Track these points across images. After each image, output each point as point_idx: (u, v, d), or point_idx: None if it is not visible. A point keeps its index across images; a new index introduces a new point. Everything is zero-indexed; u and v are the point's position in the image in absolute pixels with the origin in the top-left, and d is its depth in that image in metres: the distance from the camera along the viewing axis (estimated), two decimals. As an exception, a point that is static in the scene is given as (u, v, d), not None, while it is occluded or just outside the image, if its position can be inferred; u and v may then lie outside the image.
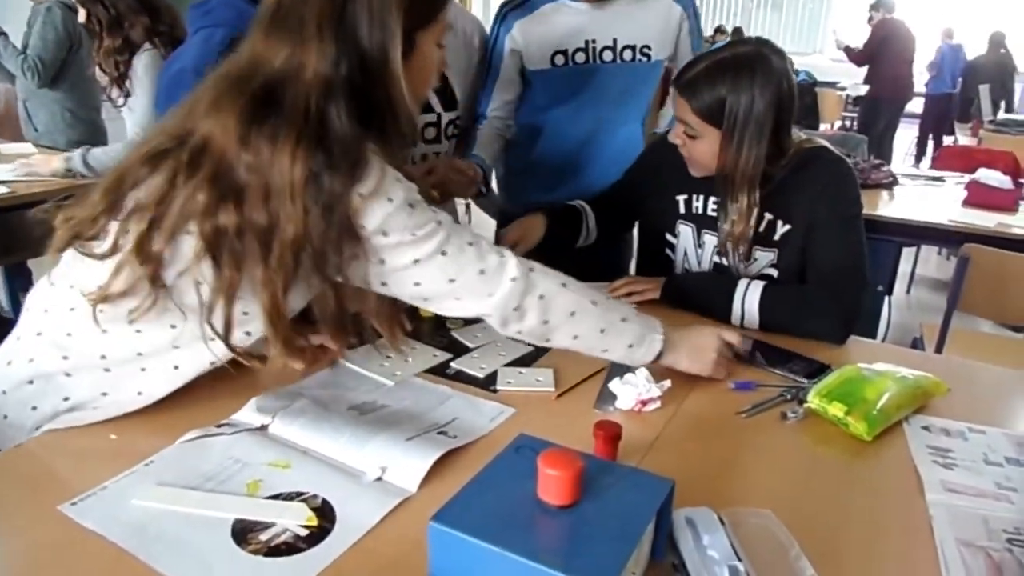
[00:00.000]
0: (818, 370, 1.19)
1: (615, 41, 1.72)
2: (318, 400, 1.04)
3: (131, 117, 2.36)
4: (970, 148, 4.57)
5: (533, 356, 1.21)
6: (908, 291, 4.32)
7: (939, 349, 2.33)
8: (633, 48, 1.73)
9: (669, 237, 1.56)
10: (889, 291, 3.48)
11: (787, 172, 1.36)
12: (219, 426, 0.97)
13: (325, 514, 0.81)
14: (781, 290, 1.37)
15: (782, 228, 1.40)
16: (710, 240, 1.50)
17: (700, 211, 1.50)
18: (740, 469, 0.95)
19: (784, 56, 1.32)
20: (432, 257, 0.93)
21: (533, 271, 0.99)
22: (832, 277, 1.35)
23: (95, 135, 3.20)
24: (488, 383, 1.12)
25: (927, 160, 7.26)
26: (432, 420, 1.01)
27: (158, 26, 2.32)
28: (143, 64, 2.31)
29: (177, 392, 1.07)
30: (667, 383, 1.06)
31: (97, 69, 2.36)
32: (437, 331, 1.29)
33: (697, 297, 1.41)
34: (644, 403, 1.05)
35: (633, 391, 1.05)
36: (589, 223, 1.63)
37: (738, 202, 1.36)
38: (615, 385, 1.06)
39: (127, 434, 0.96)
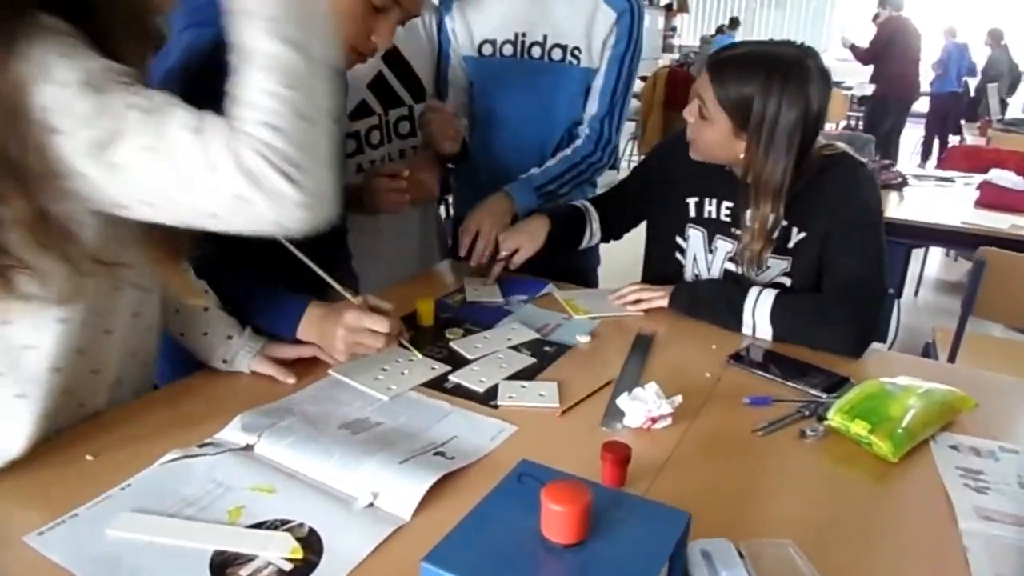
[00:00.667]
0: (837, 384, 1.13)
1: (545, 38, 1.61)
2: (308, 417, 0.98)
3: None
4: (979, 148, 4.50)
5: (536, 369, 1.15)
6: (916, 293, 4.26)
7: (953, 355, 2.27)
8: (564, 48, 1.61)
9: (679, 240, 1.50)
10: (899, 294, 3.42)
11: (805, 178, 1.30)
12: (202, 446, 0.91)
13: (311, 545, 0.75)
14: (794, 299, 1.30)
15: (797, 235, 1.34)
16: (722, 246, 1.43)
17: (713, 215, 1.44)
18: (758, 494, 0.89)
19: (827, 75, 1.24)
20: (136, 154, 0.72)
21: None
22: (850, 287, 1.28)
23: None
24: (488, 398, 1.06)
25: (932, 160, 7.19)
26: (429, 439, 0.95)
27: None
28: None
29: (160, 408, 1.01)
30: (678, 399, 1.00)
31: None
32: (436, 341, 1.23)
33: (706, 305, 1.35)
34: (654, 420, 0.99)
35: (642, 407, 0.99)
36: (593, 225, 1.57)
37: (760, 211, 1.29)
38: (623, 401, 1.00)
39: (105, 454, 0.90)
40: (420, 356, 1.15)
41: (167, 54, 1.11)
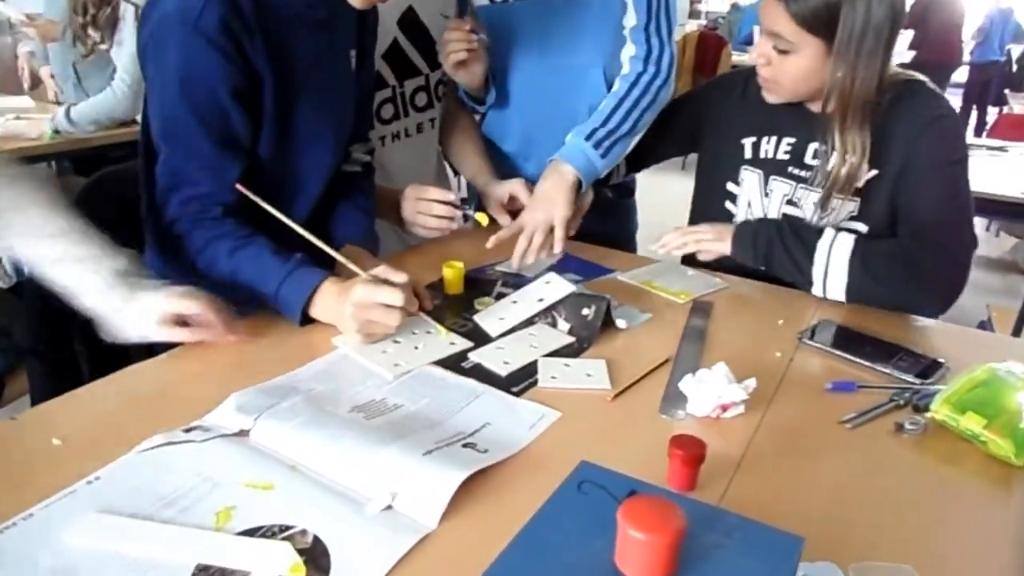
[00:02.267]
0: (930, 367, 0.97)
1: None
2: (314, 397, 0.83)
3: (119, 63, 2.17)
4: (1030, 117, 4.26)
5: (578, 347, 0.99)
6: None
7: (1018, 333, 2.09)
8: None
9: (730, 187, 1.34)
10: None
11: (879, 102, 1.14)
12: (188, 430, 0.77)
13: (315, 559, 0.61)
14: (876, 245, 1.14)
15: (868, 173, 1.18)
16: (778, 187, 1.27)
17: (770, 155, 1.28)
18: (857, 502, 0.73)
19: None
20: None
21: None
22: (936, 233, 1.12)
23: None
24: (511, 383, 0.89)
25: (971, 131, 6.89)
26: (456, 427, 0.80)
27: None
28: (132, 11, 2.12)
29: (144, 382, 0.88)
30: (752, 382, 0.84)
31: (76, 17, 2.16)
32: (462, 312, 1.07)
33: (777, 246, 1.17)
34: (724, 408, 0.83)
35: (711, 392, 0.83)
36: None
37: (850, 134, 1.14)
38: (687, 384, 0.84)
39: (74, 439, 0.76)
40: (440, 329, 1.00)
41: None
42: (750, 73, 1.35)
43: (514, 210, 1.32)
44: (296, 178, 1.09)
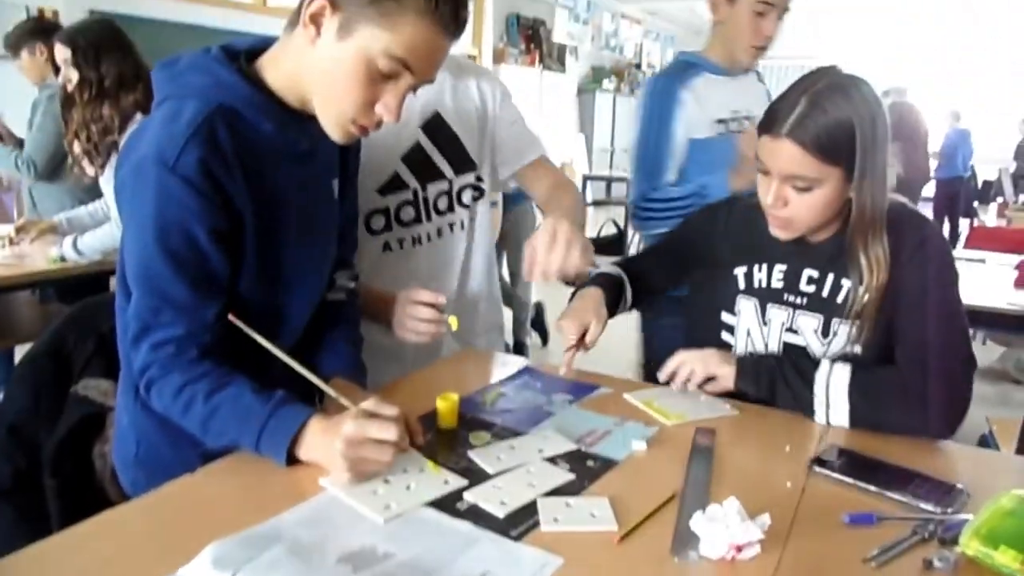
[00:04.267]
0: (950, 494, 0.92)
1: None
2: (299, 546, 0.77)
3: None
4: (1001, 229, 4.39)
5: (575, 487, 0.93)
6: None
7: (1022, 447, 2.05)
8: None
9: (725, 317, 1.32)
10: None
11: None
12: (157, 590, 0.70)
13: None
14: (874, 372, 1.13)
15: (864, 297, 1.17)
16: (777, 315, 1.26)
17: (764, 283, 1.28)
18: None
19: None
20: None
21: None
22: (935, 357, 1.10)
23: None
24: (509, 526, 0.83)
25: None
26: (453, 578, 0.73)
27: (149, 99, 2.19)
28: None
29: (113, 533, 0.81)
30: (766, 519, 0.79)
31: (75, 141, 2.20)
32: (456, 447, 1.02)
33: (779, 380, 1.16)
34: (739, 548, 0.78)
35: (723, 531, 0.77)
36: (627, 292, 1.38)
37: (873, 251, 1.14)
38: (698, 523, 0.79)
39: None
40: (432, 466, 0.94)
41: (142, 134, 0.93)
42: (733, 200, 1.38)
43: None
44: (279, 312, 1.06)
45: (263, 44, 1.01)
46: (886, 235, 1.15)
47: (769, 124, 1.11)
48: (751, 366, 1.19)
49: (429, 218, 1.42)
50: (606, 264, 1.41)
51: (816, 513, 0.89)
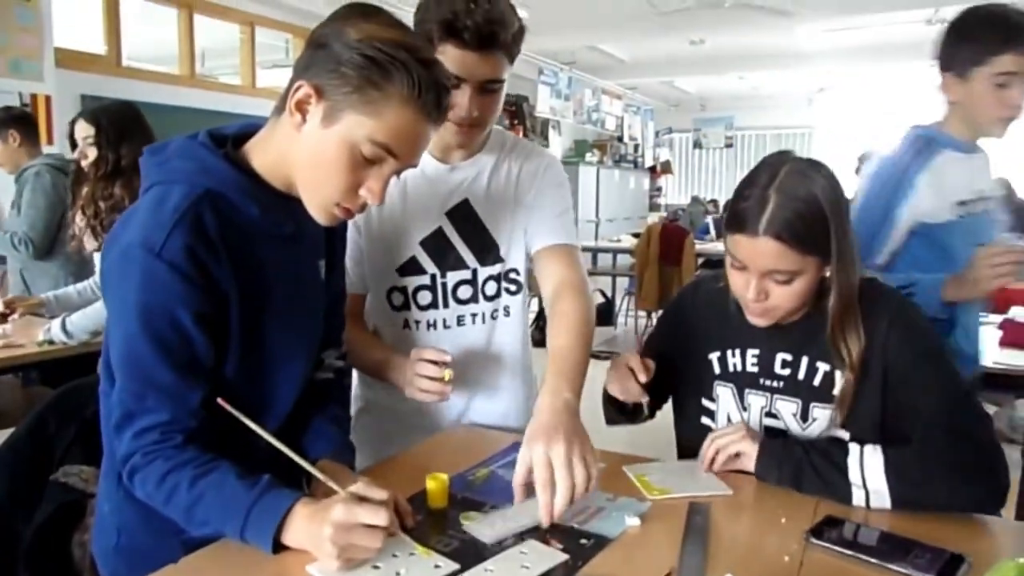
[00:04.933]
0: (950, 564, 0.90)
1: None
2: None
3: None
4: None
5: (569, 568, 0.90)
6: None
7: (1021, 511, 2.02)
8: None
9: (705, 403, 1.31)
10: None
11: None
12: None
13: None
14: (902, 452, 1.08)
15: (840, 380, 1.17)
16: (755, 400, 1.25)
17: (739, 368, 1.26)
18: None
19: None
20: None
21: None
22: (951, 423, 1.08)
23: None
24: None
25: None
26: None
27: None
28: None
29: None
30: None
31: (79, 213, 2.23)
32: (447, 529, 0.99)
33: (807, 468, 1.10)
34: (739, 629, 0.75)
35: (722, 612, 0.75)
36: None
37: (850, 336, 1.14)
38: (695, 603, 0.77)
39: None
40: (422, 551, 0.91)
41: (129, 221, 0.93)
42: (697, 284, 1.38)
43: None
44: (265, 395, 1.04)
45: (251, 129, 1.03)
46: (860, 313, 1.15)
47: (741, 223, 1.10)
48: (773, 454, 1.13)
49: (447, 304, 1.39)
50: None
51: (816, 584, 0.87)
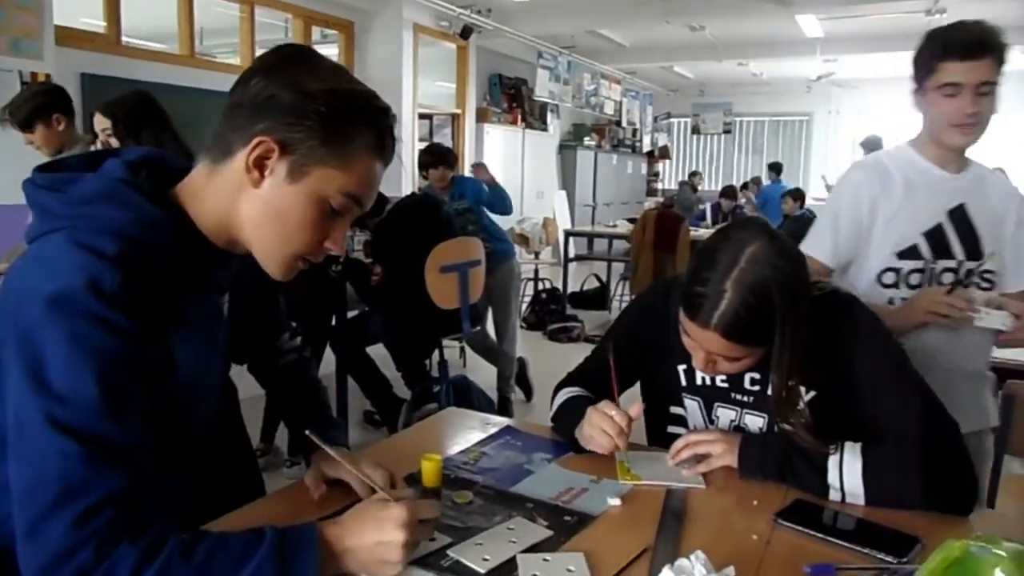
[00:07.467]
0: (905, 544, 0.98)
1: None
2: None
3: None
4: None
5: (554, 542, 0.97)
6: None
7: (992, 499, 2.10)
8: None
9: (674, 410, 1.35)
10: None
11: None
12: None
13: None
14: (884, 451, 1.12)
15: (806, 395, 1.19)
16: (724, 414, 1.29)
17: (708, 381, 1.30)
18: None
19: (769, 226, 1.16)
20: None
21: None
22: (931, 434, 1.13)
23: None
24: (493, 582, 0.88)
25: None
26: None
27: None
28: None
29: None
30: (731, 571, 0.84)
31: None
32: (440, 507, 1.06)
33: (785, 464, 1.15)
34: (705, 600, 0.83)
35: (691, 584, 0.83)
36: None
37: (792, 383, 1.15)
38: (667, 576, 0.84)
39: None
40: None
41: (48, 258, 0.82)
42: (666, 290, 1.34)
43: None
44: (185, 426, 0.98)
45: (153, 160, 0.95)
46: (819, 327, 1.15)
47: (694, 310, 1.11)
48: (755, 458, 1.17)
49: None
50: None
51: (779, 565, 0.94)
